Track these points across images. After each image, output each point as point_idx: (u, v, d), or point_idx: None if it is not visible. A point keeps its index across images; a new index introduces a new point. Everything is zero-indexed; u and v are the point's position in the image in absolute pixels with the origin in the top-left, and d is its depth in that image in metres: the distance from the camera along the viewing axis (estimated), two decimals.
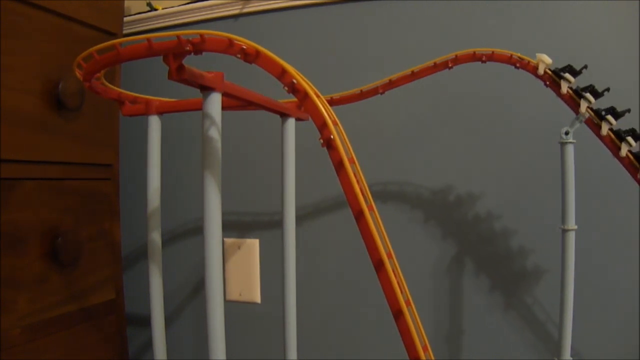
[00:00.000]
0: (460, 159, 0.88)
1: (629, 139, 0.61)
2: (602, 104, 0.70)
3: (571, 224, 0.64)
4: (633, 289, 0.79)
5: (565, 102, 0.64)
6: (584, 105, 0.62)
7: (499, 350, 0.86)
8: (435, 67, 0.69)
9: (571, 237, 0.64)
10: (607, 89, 0.62)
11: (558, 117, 0.69)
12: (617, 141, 0.62)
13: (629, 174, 0.65)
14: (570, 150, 0.64)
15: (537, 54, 0.65)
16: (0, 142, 0.70)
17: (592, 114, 0.62)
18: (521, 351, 0.85)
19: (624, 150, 0.61)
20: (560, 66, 0.64)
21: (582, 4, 0.81)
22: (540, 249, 0.84)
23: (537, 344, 0.84)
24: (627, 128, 0.61)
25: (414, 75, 0.70)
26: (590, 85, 0.62)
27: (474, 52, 0.68)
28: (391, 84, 0.72)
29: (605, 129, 0.61)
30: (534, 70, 0.65)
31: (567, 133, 0.64)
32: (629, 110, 0.62)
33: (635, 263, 0.79)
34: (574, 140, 0.64)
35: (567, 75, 0.62)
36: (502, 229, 0.86)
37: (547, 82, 0.65)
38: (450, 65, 0.68)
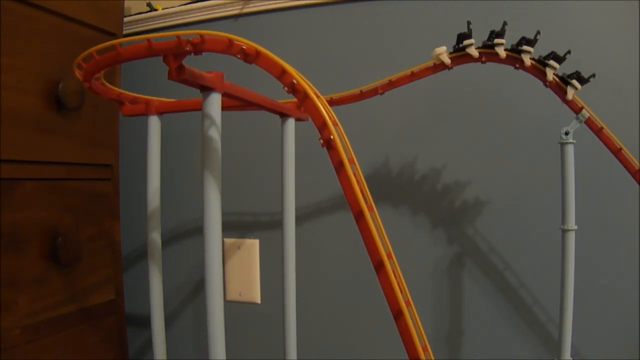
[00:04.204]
0: (460, 159, 0.88)
1: None
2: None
3: (571, 224, 0.64)
4: (633, 289, 0.79)
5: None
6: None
7: (499, 350, 0.86)
8: (435, 68, 0.69)
9: (571, 237, 0.64)
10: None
11: (558, 117, 0.69)
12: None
13: (629, 175, 0.65)
14: (570, 150, 0.64)
15: (432, 54, 0.67)
16: (0, 142, 0.70)
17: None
18: (521, 351, 0.85)
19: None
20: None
21: (582, 4, 0.81)
22: (540, 249, 0.84)
23: (537, 344, 0.84)
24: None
25: (413, 76, 0.70)
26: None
27: None
28: (391, 85, 0.72)
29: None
30: (442, 67, 0.67)
31: (567, 133, 0.64)
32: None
33: (635, 263, 0.79)
34: (574, 141, 0.64)
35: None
36: (503, 229, 0.86)
37: (451, 66, 0.67)
38: (450, 65, 0.68)
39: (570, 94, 0.63)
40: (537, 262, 0.84)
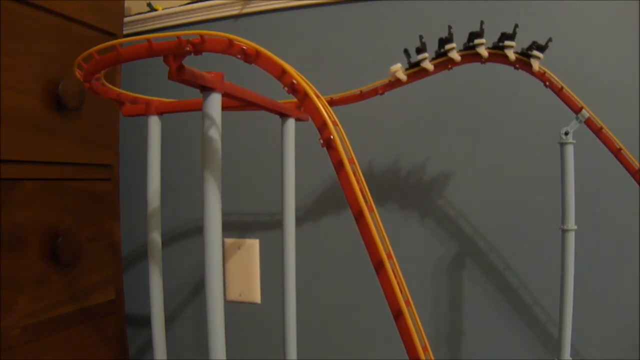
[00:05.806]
0: (461, 159, 0.88)
1: None
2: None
3: (571, 224, 0.64)
4: (633, 289, 0.79)
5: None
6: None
7: (499, 350, 0.86)
8: (435, 68, 0.69)
9: (571, 237, 0.64)
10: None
11: (558, 117, 0.69)
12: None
13: (629, 175, 0.65)
14: (570, 150, 0.64)
15: (389, 71, 0.67)
16: (0, 142, 0.70)
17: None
18: (521, 351, 0.85)
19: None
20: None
21: (582, 4, 0.81)
22: (540, 249, 0.84)
23: (537, 344, 0.84)
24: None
25: (413, 76, 0.70)
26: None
27: None
28: (391, 85, 0.72)
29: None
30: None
31: (566, 133, 0.64)
32: None
33: (635, 263, 0.79)
34: (574, 141, 0.64)
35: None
36: (503, 229, 0.86)
37: (409, 80, 0.67)
38: (449, 66, 0.68)
39: (536, 65, 0.62)
40: (537, 262, 0.84)
